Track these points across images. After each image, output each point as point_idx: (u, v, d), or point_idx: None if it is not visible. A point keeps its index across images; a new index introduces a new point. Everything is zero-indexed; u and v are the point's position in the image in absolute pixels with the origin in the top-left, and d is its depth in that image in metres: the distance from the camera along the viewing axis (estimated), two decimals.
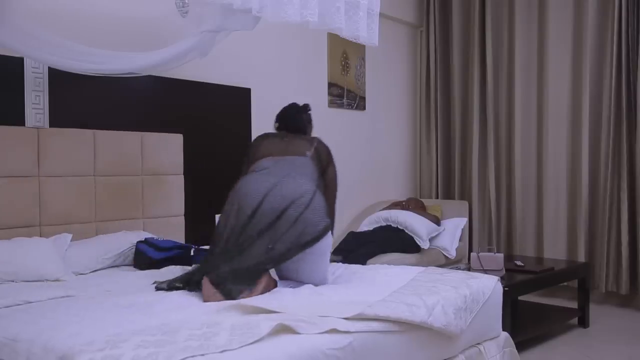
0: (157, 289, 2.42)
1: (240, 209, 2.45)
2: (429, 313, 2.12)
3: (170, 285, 2.40)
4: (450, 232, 4.61)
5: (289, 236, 2.38)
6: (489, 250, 3.94)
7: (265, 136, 2.90)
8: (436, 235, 4.50)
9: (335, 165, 2.88)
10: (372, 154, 5.26)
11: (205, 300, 2.20)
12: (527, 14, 5.03)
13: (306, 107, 3.00)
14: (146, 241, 3.06)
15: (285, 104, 2.97)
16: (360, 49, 5.05)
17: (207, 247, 3.33)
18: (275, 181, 2.52)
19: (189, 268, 2.88)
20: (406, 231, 4.30)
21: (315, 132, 4.65)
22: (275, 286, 2.39)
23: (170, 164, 3.61)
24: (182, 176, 3.69)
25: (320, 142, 2.86)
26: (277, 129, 2.97)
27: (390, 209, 4.73)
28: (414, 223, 4.33)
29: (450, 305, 2.25)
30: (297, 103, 3.05)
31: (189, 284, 2.38)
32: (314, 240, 2.40)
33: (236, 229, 2.42)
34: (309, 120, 3.00)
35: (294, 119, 2.95)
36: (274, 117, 4.28)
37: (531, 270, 3.71)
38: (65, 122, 3.18)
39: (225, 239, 2.44)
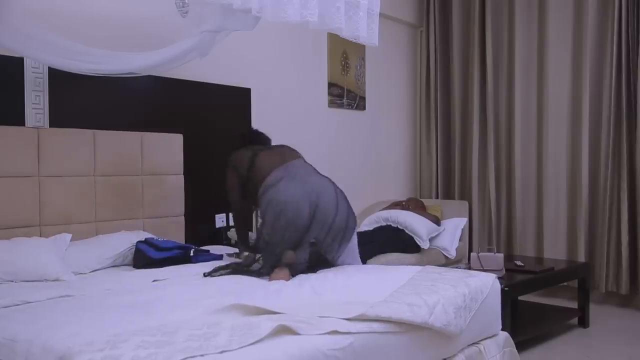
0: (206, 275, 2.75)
1: (298, 212, 2.77)
2: (430, 312, 2.12)
3: (220, 273, 2.76)
4: (450, 232, 4.60)
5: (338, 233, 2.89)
6: (489, 250, 3.93)
7: (252, 154, 3.14)
8: (436, 235, 4.50)
9: None
10: (372, 154, 5.26)
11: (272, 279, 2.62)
12: (527, 14, 5.03)
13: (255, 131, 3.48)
14: (146, 241, 3.05)
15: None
16: (360, 49, 5.05)
17: (206, 247, 3.36)
18: (313, 186, 2.89)
19: (191, 266, 2.94)
20: (406, 231, 4.29)
21: (315, 132, 4.68)
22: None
23: (170, 164, 3.61)
24: (182, 176, 3.69)
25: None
26: (250, 142, 3.32)
27: (390, 209, 4.73)
28: (414, 223, 4.33)
29: (450, 304, 2.25)
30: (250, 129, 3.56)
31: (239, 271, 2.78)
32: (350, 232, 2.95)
33: (297, 228, 2.78)
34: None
35: (258, 137, 3.41)
36: (273, 117, 4.33)
37: (531, 270, 3.71)
38: (65, 122, 3.18)
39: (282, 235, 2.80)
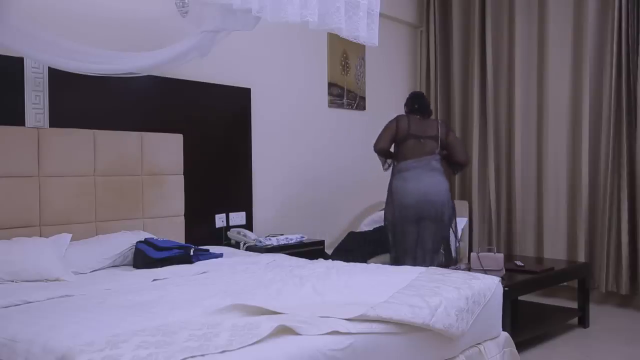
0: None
1: (402, 205, 3.83)
2: (431, 314, 2.11)
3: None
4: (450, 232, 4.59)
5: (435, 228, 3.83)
6: (489, 250, 3.93)
7: (405, 135, 3.97)
8: None
9: (453, 131, 4.10)
10: (372, 154, 5.24)
11: None
12: (527, 14, 5.02)
13: (424, 94, 4.37)
14: (146, 241, 3.05)
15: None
16: (360, 49, 5.05)
17: (206, 247, 3.36)
18: (425, 187, 3.81)
19: (191, 265, 2.94)
20: None
21: (315, 132, 4.68)
22: None
23: (170, 164, 3.61)
24: (182, 176, 3.69)
25: (441, 124, 4.01)
26: (416, 110, 4.04)
27: None
28: None
29: (452, 306, 2.24)
30: (417, 91, 4.43)
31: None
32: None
33: (397, 219, 3.85)
34: (429, 104, 4.16)
35: (425, 103, 4.09)
36: (273, 117, 4.33)
37: (531, 270, 3.71)
38: (65, 122, 3.18)
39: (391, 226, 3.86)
